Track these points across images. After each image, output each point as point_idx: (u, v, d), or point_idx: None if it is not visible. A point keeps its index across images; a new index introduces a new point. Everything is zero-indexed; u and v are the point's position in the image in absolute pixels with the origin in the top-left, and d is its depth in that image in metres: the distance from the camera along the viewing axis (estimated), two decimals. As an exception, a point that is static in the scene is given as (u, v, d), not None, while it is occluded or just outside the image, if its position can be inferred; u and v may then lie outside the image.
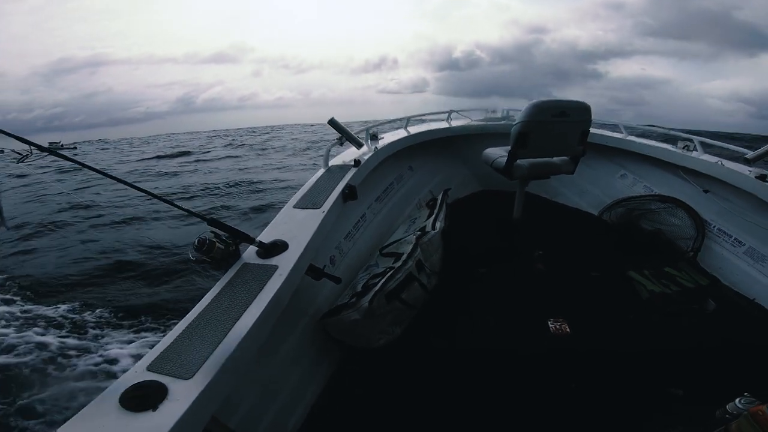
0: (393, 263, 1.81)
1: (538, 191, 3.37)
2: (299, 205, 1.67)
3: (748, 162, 2.18)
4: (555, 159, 2.51)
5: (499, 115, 3.73)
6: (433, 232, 2.09)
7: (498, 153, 2.48)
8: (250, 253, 1.34)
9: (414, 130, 3.21)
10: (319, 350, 1.64)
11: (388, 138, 2.86)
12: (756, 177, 2.07)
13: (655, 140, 2.87)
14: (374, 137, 2.78)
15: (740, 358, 1.61)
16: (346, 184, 1.92)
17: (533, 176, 2.48)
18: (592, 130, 3.22)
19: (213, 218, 1.22)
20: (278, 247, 1.34)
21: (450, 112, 3.73)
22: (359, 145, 2.32)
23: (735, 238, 2.23)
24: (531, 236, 2.65)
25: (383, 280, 1.63)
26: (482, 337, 1.82)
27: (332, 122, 2.14)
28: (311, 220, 1.52)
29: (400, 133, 3.06)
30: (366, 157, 2.28)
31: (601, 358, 1.69)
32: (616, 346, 1.74)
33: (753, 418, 0.83)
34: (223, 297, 1.14)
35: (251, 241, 1.31)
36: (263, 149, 23.58)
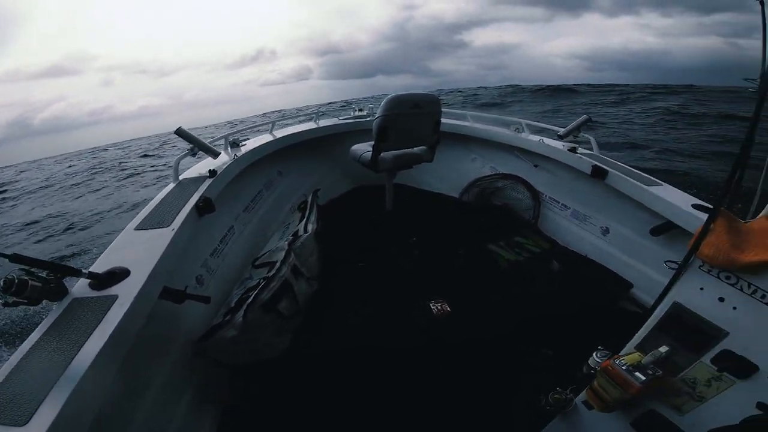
0: (267, 273, 1.69)
1: (406, 181, 3.55)
2: (143, 226, 1.49)
3: (560, 138, 2.62)
4: (415, 149, 2.66)
5: (365, 112, 3.81)
6: (305, 235, 2.02)
7: (364, 148, 2.53)
8: (81, 286, 1.11)
9: (280, 133, 3.08)
10: (206, 375, 1.53)
11: (250, 144, 2.70)
12: (568, 150, 2.49)
13: (494, 125, 3.26)
14: (234, 144, 2.61)
15: (590, 314, 1.87)
16: (201, 196, 1.73)
17: (398, 167, 2.59)
18: (444, 120, 3.53)
19: (17, 254, 0.97)
20: (117, 275, 1.16)
21: (318, 113, 3.68)
22: (215, 155, 2.16)
23: (562, 204, 2.66)
24: (405, 225, 2.76)
25: (257, 292, 1.54)
26: (369, 330, 1.82)
27: (180, 132, 1.95)
28: (158, 240, 1.36)
29: (265, 138, 2.91)
30: (225, 167, 2.12)
31: (478, 329, 1.83)
32: (490, 318, 1.90)
33: (606, 373, 0.96)
34: (49, 339, 0.94)
35: (77, 273, 1.08)
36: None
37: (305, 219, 2.18)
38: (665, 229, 1.90)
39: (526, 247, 2.45)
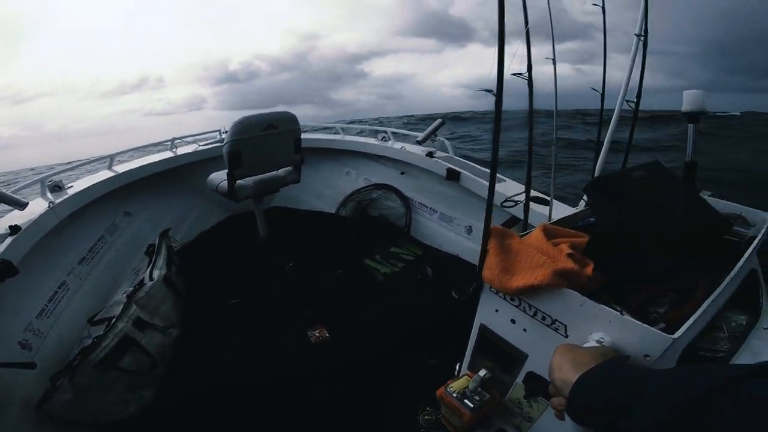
0: (104, 331, 1.55)
1: (283, 203, 3.38)
2: None
3: (419, 143, 2.71)
4: (280, 171, 2.52)
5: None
6: (150, 283, 1.80)
7: (221, 177, 2.32)
8: None
9: (124, 167, 2.67)
10: None
11: (79, 185, 2.31)
12: (426, 155, 2.59)
13: (364, 137, 3.27)
14: (57, 188, 2.21)
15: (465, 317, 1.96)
16: None
17: (261, 193, 2.43)
18: (315, 135, 3.43)
19: None
20: None
21: (173, 139, 3.28)
22: (21, 206, 1.85)
23: (430, 208, 2.76)
24: (280, 251, 2.61)
25: (87, 352, 1.46)
26: (243, 367, 1.74)
27: None
28: None
29: (101, 175, 2.51)
30: (35, 219, 1.83)
31: (359, 349, 1.79)
32: (370, 336, 1.87)
33: (442, 401, 0.94)
34: None
35: None
36: None
37: (151, 265, 1.92)
38: (512, 223, 2.06)
39: (401, 256, 2.48)
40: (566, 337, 0.70)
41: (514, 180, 2.24)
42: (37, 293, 1.86)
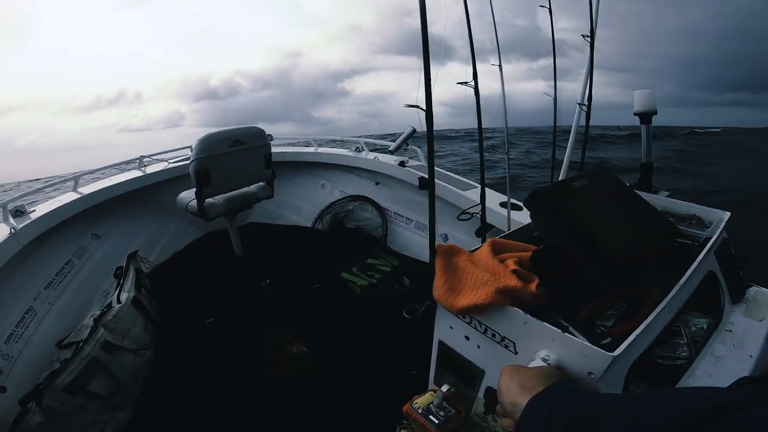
0: (72, 354, 1.55)
1: (260, 219, 3.35)
2: None
3: (392, 153, 2.72)
4: (251, 187, 2.49)
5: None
6: (118, 306, 1.76)
7: (190, 196, 2.27)
8: None
9: (90, 188, 2.61)
10: None
11: (42, 209, 2.26)
12: (398, 164, 2.60)
13: (338, 148, 3.27)
14: (19, 213, 2.16)
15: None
16: None
17: (232, 210, 2.39)
18: (289, 148, 3.41)
19: None
20: None
21: (141, 158, 3.20)
22: None
23: (406, 217, 2.76)
24: (257, 268, 2.57)
25: (54, 376, 1.47)
26: (219, 386, 1.72)
27: None
28: None
29: (66, 198, 2.44)
30: None
31: (338, 362, 1.78)
32: (349, 349, 1.86)
33: (409, 417, 0.92)
34: None
35: None
36: None
37: (119, 288, 1.88)
38: (485, 229, 2.07)
39: (378, 267, 2.47)
40: (516, 354, 0.70)
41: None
42: (4, 319, 1.85)
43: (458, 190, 2.18)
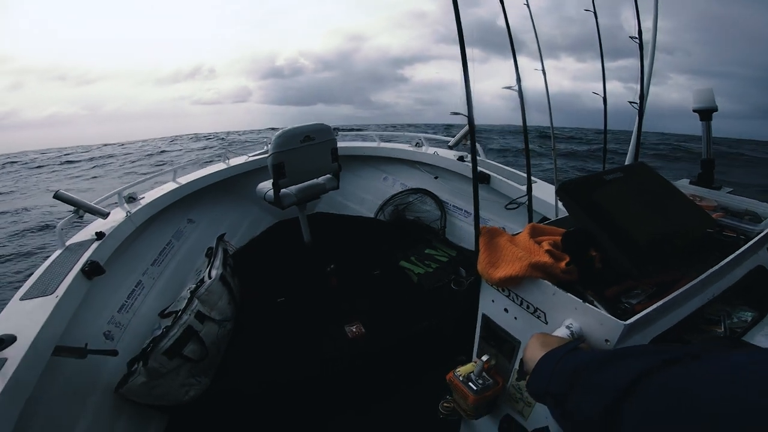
0: (171, 322, 1.75)
1: (327, 209, 3.61)
2: (27, 296, 1.58)
3: (450, 148, 2.79)
4: (320, 179, 2.71)
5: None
6: (209, 281, 2.02)
7: (268, 186, 2.55)
8: None
9: (185, 179, 3.01)
10: (134, 418, 1.67)
11: (150, 196, 2.64)
12: (457, 159, 2.65)
13: (400, 143, 3.40)
14: (131, 199, 2.54)
15: None
16: (87, 260, 1.78)
17: (303, 200, 2.62)
18: (353, 143, 3.62)
19: None
20: (3, 342, 1.27)
21: (226, 151, 3.62)
22: (104, 215, 2.15)
23: (464, 210, 2.82)
24: (323, 254, 2.79)
25: (158, 340, 1.65)
26: (288, 362, 1.88)
27: (59, 196, 1.98)
28: (42, 308, 1.47)
29: (167, 187, 2.84)
30: (115, 226, 2.12)
31: (394, 348, 1.91)
32: (405, 333, 1.99)
33: (451, 384, 1.03)
34: None
35: None
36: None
37: (210, 265, 2.17)
38: (543, 221, 2.08)
39: (436, 258, 2.56)
40: (546, 324, 0.78)
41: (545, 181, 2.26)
42: (118, 291, 2.10)
43: (517, 185, 2.20)
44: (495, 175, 2.37)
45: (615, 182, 0.84)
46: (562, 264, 0.75)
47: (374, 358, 1.88)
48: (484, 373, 0.99)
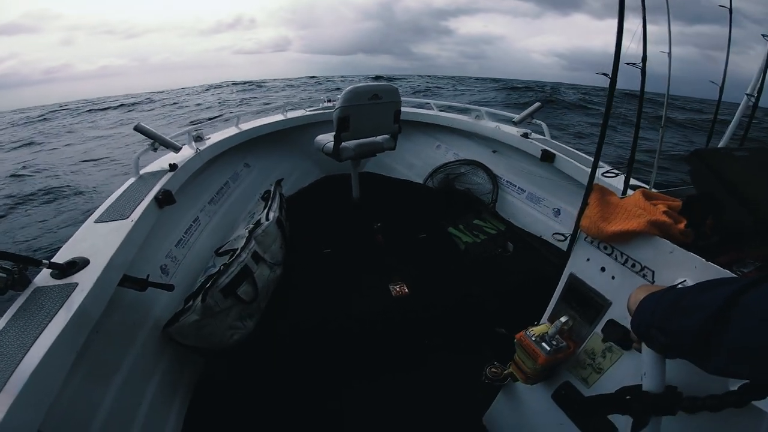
0: (228, 260, 1.77)
1: (375, 169, 3.65)
2: (102, 219, 1.55)
3: (515, 124, 2.72)
4: (378, 138, 2.73)
5: (332, 104, 3.83)
6: (266, 223, 2.09)
7: (327, 138, 2.59)
8: (43, 276, 1.18)
9: (246, 125, 3.11)
10: (173, 360, 1.60)
11: (215, 137, 2.73)
12: (521, 135, 2.60)
13: (456, 113, 3.35)
14: (198, 139, 2.63)
15: (540, 291, 2.03)
16: (161, 189, 1.81)
17: (360, 156, 2.66)
18: (410, 109, 3.59)
19: None
20: (77, 264, 1.23)
21: (285, 104, 3.68)
22: (176, 149, 2.22)
23: (518, 187, 2.78)
24: (370, 212, 2.85)
25: (216, 277, 1.62)
26: (331, 312, 1.91)
27: (139, 128, 2.03)
28: (117, 232, 1.43)
29: (230, 131, 2.94)
30: (186, 161, 2.19)
31: (437, 311, 1.95)
32: (447, 299, 2.02)
33: (520, 344, 1.06)
34: (11, 327, 0.99)
35: (39, 263, 1.15)
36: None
37: (267, 208, 2.25)
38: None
39: (485, 229, 2.56)
40: (653, 282, 0.78)
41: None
42: (179, 225, 2.12)
43: (583, 167, 2.15)
44: (560, 155, 2.31)
45: (742, 159, 0.83)
46: (681, 225, 0.75)
47: (416, 318, 1.91)
48: (557, 336, 1.01)
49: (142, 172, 2.03)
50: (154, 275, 1.69)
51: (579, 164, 2.18)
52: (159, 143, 2.12)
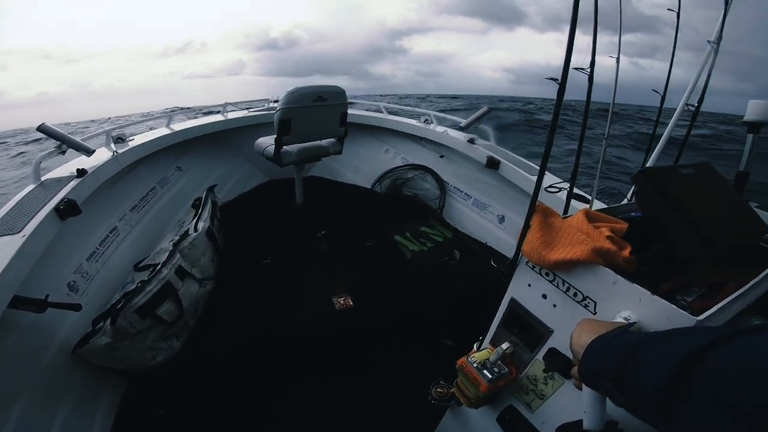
0: (148, 277, 1.59)
1: (322, 173, 3.51)
2: None
3: (462, 129, 2.72)
4: (323, 142, 2.61)
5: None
6: (194, 234, 1.91)
7: (268, 142, 2.44)
8: None
9: (180, 126, 2.86)
10: (88, 383, 1.48)
11: (139, 139, 2.48)
12: (467, 141, 2.59)
13: (405, 117, 3.30)
14: (120, 140, 2.38)
15: (485, 300, 2.00)
16: (63, 198, 1.60)
17: (303, 160, 2.53)
18: (359, 111, 3.49)
19: None
20: None
21: (225, 104, 3.44)
22: (88, 152, 2.01)
23: (465, 193, 2.78)
24: (315, 218, 2.72)
25: (130, 296, 1.47)
26: (269, 325, 1.80)
27: (43, 129, 1.84)
28: (4, 249, 1.28)
29: (159, 132, 2.69)
30: (99, 165, 1.97)
31: (382, 322, 1.87)
32: (392, 310, 1.95)
33: (462, 371, 1.00)
34: None
35: None
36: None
37: (197, 217, 2.06)
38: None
39: (432, 237, 2.53)
40: (594, 314, 0.75)
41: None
42: (91, 236, 1.93)
43: (526, 174, 2.17)
44: (505, 162, 2.32)
45: (688, 177, 0.81)
46: (626, 252, 0.71)
47: (358, 332, 1.83)
48: (499, 362, 0.96)
49: (44, 178, 1.81)
50: (60, 293, 1.57)
51: (523, 172, 2.21)
52: (67, 145, 1.90)
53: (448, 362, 1.14)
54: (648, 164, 1.35)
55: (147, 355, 1.49)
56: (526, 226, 0.84)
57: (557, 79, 0.73)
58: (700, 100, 1.21)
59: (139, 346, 1.47)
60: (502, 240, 2.48)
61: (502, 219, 2.54)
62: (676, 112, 1.30)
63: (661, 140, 1.33)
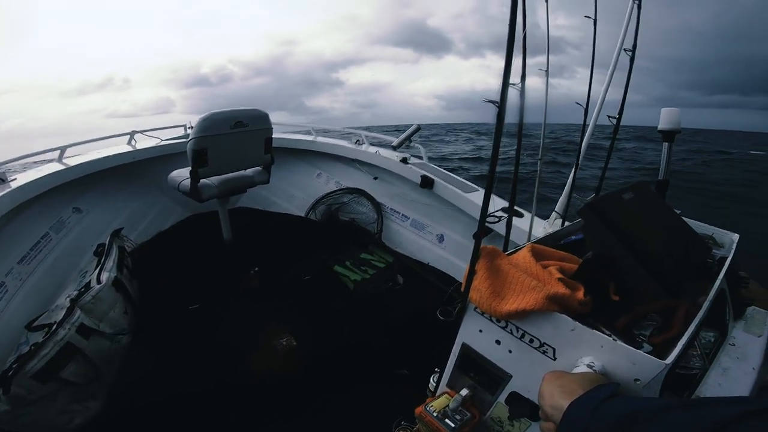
0: (42, 339, 1.42)
1: (250, 204, 3.26)
2: None
3: (395, 148, 2.68)
4: (248, 171, 2.40)
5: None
6: (97, 287, 1.65)
7: (183, 175, 2.18)
8: None
9: (76, 160, 2.49)
10: None
11: (22, 179, 2.13)
12: (400, 161, 2.55)
13: (334, 138, 3.21)
14: (0, 181, 2.05)
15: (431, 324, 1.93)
16: None
17: (226, 193, 2.30)
18: (287, 135, 3.33)
19: None
20: None
21: (132, 133, 3.07)
22: None
23: (402, 214, 2.72)
24: (245, 254, 2.48)
25: (24, 361, 1.34)
26: (200, 378, 1.63)
27: None
28: None
29: (50, 168, 2.32)
30: None
31: (328, 358, 1.72)
32: (339, 345, 1.81)
33: (422, 420, 0.88)
34: None
35: None
36: None
37: (100, 267, 1.77)
38: (485, 233, 2.05)
39: (373, 263, 2.43)
40: (554, 360, 0.68)
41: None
42: None
43: (460, 192, 2.16)
44: (439, 180, 2.31)
45: (630, 203, 0.79)
46: (580, 294, 0.65)
47: (306, 373, 1.67)
48: (460, 407, 0.86)
49: None
50: None
51: (457, 189, 2.20)
52: None
53: (405, 393, 1.07)
54: (573, 170, 1.37)
55: (61, 419, 1.42)
56: (472, 271, 0.76)
57: (496, 102, 0.68)
58: (621, 110, 1.25)
59: (49, 410, 1.39)
60: (444, 259, 2.45)
61: (441, 238, 2.51)
62: (591, 121, 1.34)
63: (582, 148, 1.36)
